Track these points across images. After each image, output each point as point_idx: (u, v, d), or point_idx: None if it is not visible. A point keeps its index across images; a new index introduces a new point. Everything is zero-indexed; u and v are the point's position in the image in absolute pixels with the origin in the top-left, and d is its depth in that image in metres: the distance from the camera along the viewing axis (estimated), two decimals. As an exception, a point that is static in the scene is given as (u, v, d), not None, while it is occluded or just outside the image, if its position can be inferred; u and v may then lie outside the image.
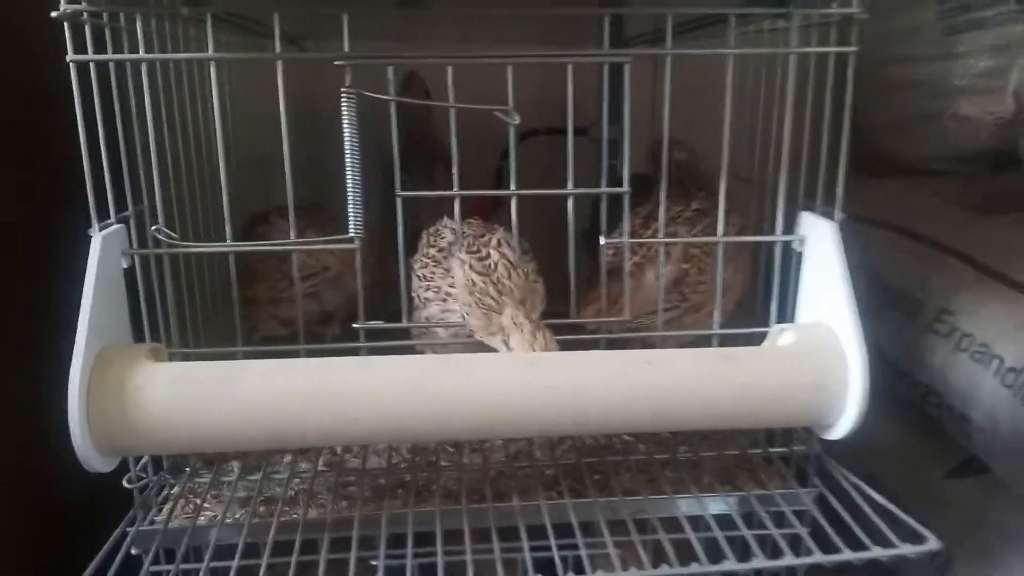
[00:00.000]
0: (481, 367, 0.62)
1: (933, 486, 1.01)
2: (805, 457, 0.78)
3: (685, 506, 0.73)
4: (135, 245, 0.69)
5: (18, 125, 0.93)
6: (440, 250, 0.74)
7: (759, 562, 0.60)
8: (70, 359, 0.60)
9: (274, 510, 0.72)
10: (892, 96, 1.16)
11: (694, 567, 0.59)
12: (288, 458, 0.83)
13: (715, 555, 0.63)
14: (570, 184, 0.71)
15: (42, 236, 0.95)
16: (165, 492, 0.78)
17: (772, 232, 0.75)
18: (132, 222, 0.70)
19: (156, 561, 0.70)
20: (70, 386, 0.59)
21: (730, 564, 0.60)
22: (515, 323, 0.65)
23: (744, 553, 0.63)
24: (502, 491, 0.75)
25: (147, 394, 0.60)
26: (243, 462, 0.80)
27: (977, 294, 0.91)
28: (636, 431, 0.82)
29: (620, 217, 0.76)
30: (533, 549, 0.65)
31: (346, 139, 0.67)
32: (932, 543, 0.61)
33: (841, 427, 0.65)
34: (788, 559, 0.61)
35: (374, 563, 0.67)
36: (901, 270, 1.04)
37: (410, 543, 0.67)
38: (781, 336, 0.68)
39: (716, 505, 0.74)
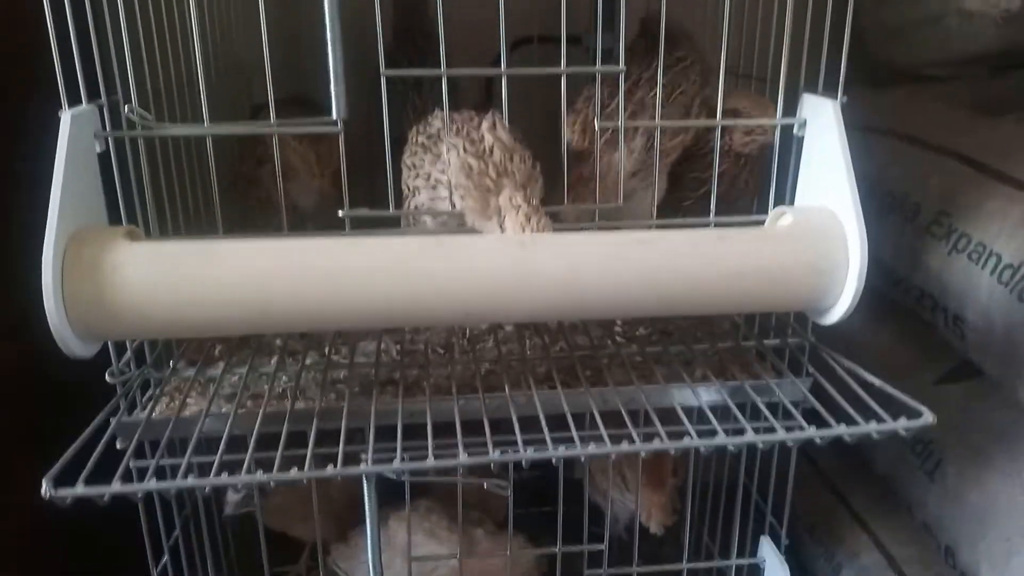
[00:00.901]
0: (472, 246, 0.60)
1: (924, 392, 1.00)
2: (800, 348, 0.77)
3: (679, 395, 0.72)
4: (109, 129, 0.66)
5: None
6: (429, 136, 0.71)
7: (751, 436, 0.60)
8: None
9: (261, 403, 0.71)
10: (894, -4, 1.13)
11: (686, 441, 0.59)
12: (275, 358, 0.81)
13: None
14: (563, 63, 0.68)
15: (13, 127, 0.91)
16: (149, 392, 0.76)
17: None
18: (106, 108, 0.67)
19: (140, 455, 0.69)
20: (43, 267, 0.57)
21: (722, 438, 0.59)
22: (512, 204, 0.63)
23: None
24: (494, 386, 0.75)
25: (125, 273, 0.58)
26: (228, 361, 0.79)
27: (976, 194, 0.90)
28: (629, 314, 0.81)
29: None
30: (527, 443, 0.64)
31: (327, 12, 0.63)
32: (928, 417, 0.60)
33: (838, 310, 0.64)
34: (780, 435, 0.61)
35: (363, 456, 0.66)
36: (900, 175, 1.02)
37: (399, 434, 0.66)
38: (781, 219, 0.67)
39: (710, 395, 0.73)
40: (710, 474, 1.03)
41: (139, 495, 0.57)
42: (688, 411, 0.68)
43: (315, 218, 0.89)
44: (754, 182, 0.83)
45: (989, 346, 0.86)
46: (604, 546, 0.88)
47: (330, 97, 0.65)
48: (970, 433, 0.94)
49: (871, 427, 0.61)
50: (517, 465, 0.66)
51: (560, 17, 0.67)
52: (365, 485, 0.68)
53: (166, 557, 0.86)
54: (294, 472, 0.56)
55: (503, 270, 0.60)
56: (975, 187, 0.91)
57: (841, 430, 0.60)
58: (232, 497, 0.96)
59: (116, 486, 0.56)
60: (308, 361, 0.80)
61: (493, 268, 0.60)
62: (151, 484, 0.57)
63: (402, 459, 0.60)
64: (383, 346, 0.84)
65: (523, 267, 0.60)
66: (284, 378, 0.78)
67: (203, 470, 0.63)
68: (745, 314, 0.84)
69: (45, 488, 0.54)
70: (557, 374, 0.75)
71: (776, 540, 0.90)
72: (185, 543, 0.90)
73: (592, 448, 0.57)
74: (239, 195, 0.87)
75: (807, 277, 0.63)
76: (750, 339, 0.80)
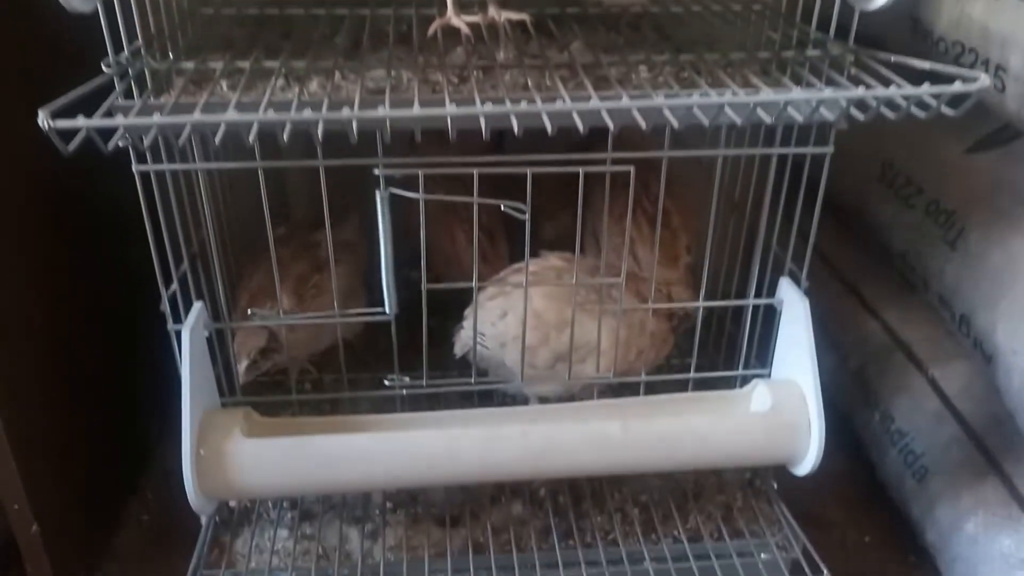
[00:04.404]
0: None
1: (954, 162, 1.01)
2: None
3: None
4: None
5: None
6: None
7: (798, 93, 0.60)
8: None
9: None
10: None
11: (728, 96, 0.60)
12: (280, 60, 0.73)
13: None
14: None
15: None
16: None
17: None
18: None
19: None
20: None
21: (765, 95, 0.61)
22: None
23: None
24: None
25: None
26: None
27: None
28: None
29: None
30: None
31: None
32: (984, 80, 0.58)
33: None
34: (827, 92, 0.61)
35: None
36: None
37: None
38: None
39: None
40: (730, 220, 0.95)
41: (151, 129, 0.54)
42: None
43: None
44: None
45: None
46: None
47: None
48: (997, 197, 0.93)
49: (923, 89, 0.59)
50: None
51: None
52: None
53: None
54: (307, 113, 0.55)
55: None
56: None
57: (892, 92, 0.59)
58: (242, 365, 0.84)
59: (132, 118, 0.53)
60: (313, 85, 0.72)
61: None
62: (166, 119, 0.53)
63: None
64: (393, 72, 0.73)
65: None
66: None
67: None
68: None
69: (42, 118, 0.49)
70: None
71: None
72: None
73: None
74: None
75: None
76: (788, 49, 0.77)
